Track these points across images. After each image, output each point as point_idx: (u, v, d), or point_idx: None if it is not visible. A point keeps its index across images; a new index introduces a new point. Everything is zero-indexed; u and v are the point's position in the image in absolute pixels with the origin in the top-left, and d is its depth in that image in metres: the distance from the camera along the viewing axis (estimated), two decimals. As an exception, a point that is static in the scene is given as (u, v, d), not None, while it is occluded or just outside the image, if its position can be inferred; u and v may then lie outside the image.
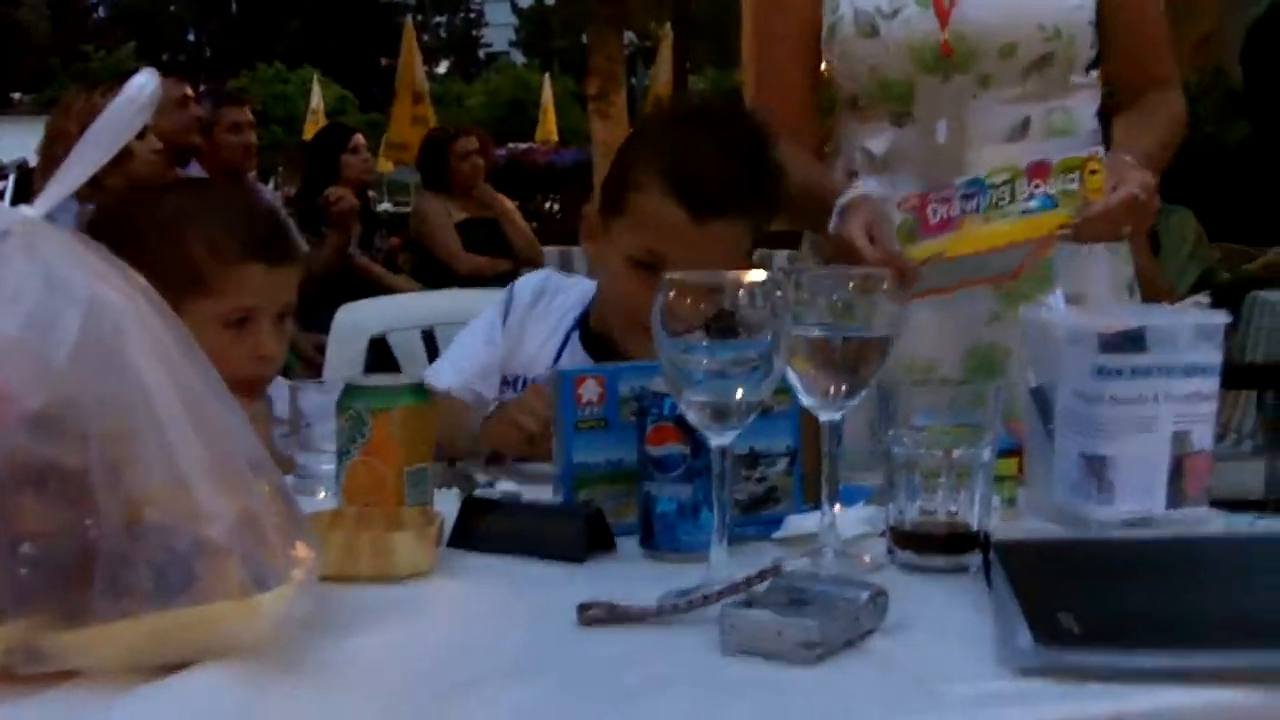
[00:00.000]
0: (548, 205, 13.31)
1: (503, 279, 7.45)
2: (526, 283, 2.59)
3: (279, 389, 2.47)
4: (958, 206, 2.21)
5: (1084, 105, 2.56)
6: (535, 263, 7.92)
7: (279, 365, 2.38)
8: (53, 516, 1.18)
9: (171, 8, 46.67)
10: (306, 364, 5.46)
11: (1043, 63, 2.47)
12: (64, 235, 1.26)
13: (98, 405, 1.19)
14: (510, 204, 8.24)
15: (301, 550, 1.29)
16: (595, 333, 2.45)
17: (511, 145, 13.18)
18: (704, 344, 1.51)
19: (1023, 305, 2.14)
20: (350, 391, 1.81)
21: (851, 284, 1.68)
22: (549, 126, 17.42)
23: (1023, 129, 2.49)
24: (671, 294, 1.51)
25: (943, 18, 2.45)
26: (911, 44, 2.47)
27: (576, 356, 2.43)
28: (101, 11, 45.28)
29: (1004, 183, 2.21)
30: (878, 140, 2.53)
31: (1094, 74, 2.58)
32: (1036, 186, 2.19)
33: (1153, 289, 5.30)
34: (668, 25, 14.36)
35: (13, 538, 1.17)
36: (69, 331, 1.19)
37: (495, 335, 2.52)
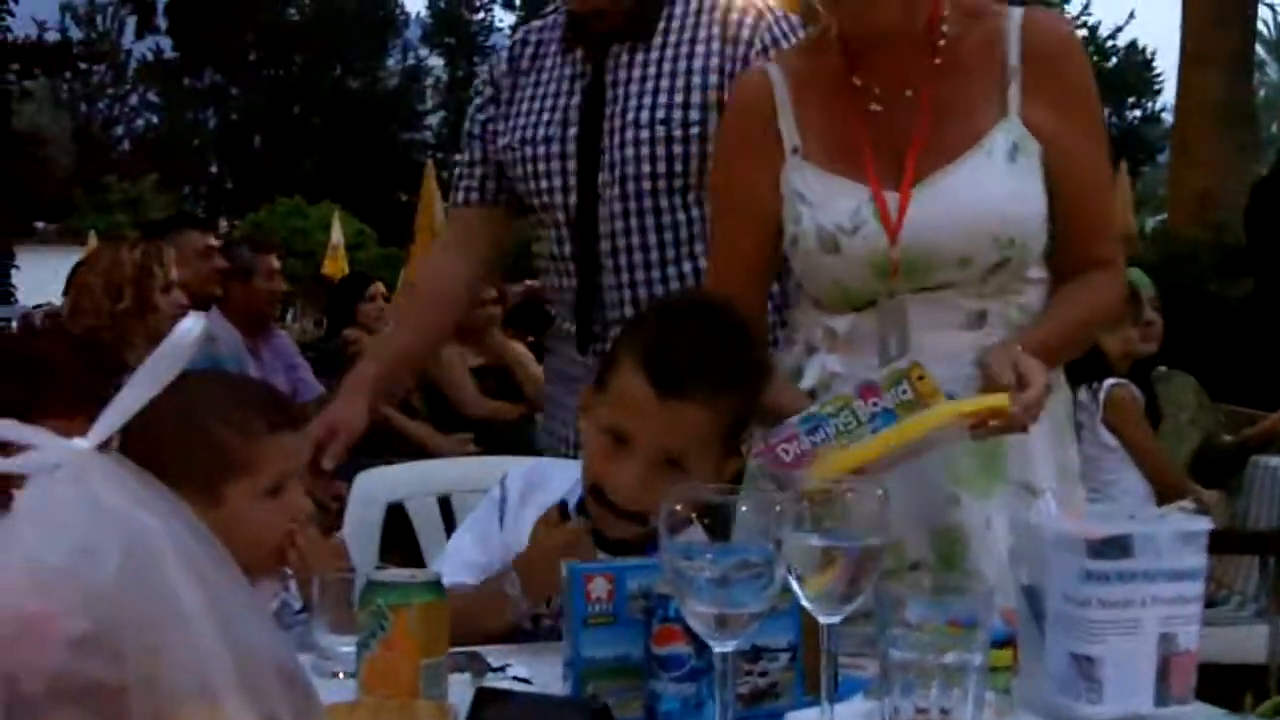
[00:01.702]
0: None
1: (515, 424, 7.58)
2: (514, 476, 2.65)
3: None
4: (806, 441, 2.25)
5: (1038, 299, 2.60)
6: (542, 408, 8.01)
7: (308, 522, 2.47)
8: None
9: (195, 141, 47.12)
10: (323, 511, 5.52)
11: (999, 267, 2.52)
12: (109, 465, 1.33)
13: (136, 627, 1.26)
14: (523, 350, 8.35)
15: None
16: (592, 518, 2.47)
17: (528, 282, 13.27)
18: (706, 552, 1.58)
19: (1010, 509, 2.23)
20: (371, 587, 1.89)
21: (849, 493, 1.76)
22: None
23: (980, 319, 2.54)
24: (676, 506, 1.59)
25: (891, 235, 2.51)
26: (871, 259, 2.52)
27: None
28: (126, 144, 45.74)
29: (841, 410, 2.25)
30: (840, 322, 2.58)
31: (1045, 266, 2.62)
32: (875, 405, 2.25)
33: (1167, 488, 5.40)
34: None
35: None
36: (112, 559, 1.27)
37: (491, 536, 2.58)
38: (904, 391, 2.25)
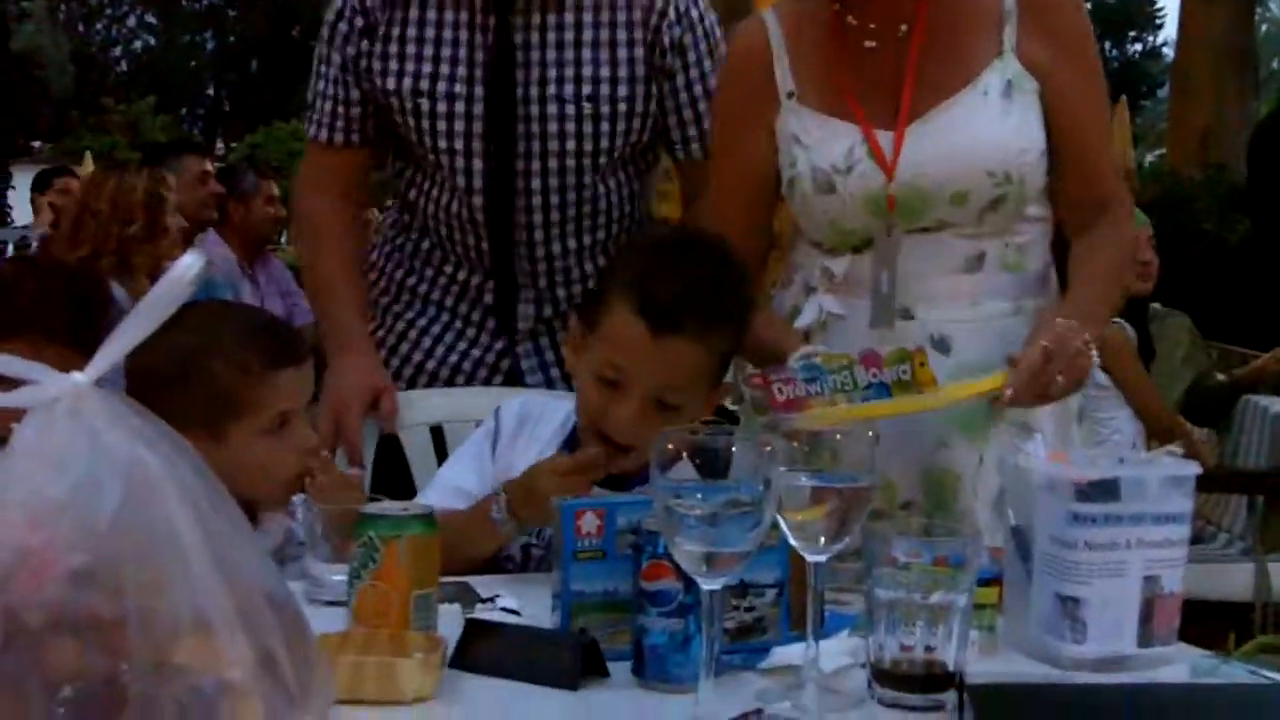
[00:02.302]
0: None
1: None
2: (509, 408, 2.67)
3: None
4: (801, 388, 2.30)
5: (1037, 242, 2.64)
6: None
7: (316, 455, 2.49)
8: (90, 661, 1.27)
9: (191, 63, 46.91)
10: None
11: (996, 203, 2.54)
12: (109, 399, 1.35)
13: (134, 560, 1.29)
14: None
15: (316, 687, 1.39)
16: None
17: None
18: (696, 490, 1.59)
19: (999, 450, 2.25)
20: (364, 519, 1.92)
21: (839, 435, 1.78)
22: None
23: (978, 261, 2.57)
24: (668, 444, 1.60)
25: (888, 172, 2.53)
26: (867, 198, 2.55)
27: None
28: (123, 65, 45.55)
29: (841, 370, 2.29)
30: (838, 263, 2.61)
31: (1047, 203, 2.65)
32: (874, 376, 2.29)
33: (1158, 426, 5.41)
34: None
35: (54, 680, 1.26)
36: (111, 494, 1.29)
37: (484, 465, 2.60)
38: (904, 371, 2.28)
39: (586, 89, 2.98)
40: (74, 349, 2.37)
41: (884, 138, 2.55)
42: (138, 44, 47.62)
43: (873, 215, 2.55)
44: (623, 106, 3.01)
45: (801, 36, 2.66)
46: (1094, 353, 2.42)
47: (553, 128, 3.00)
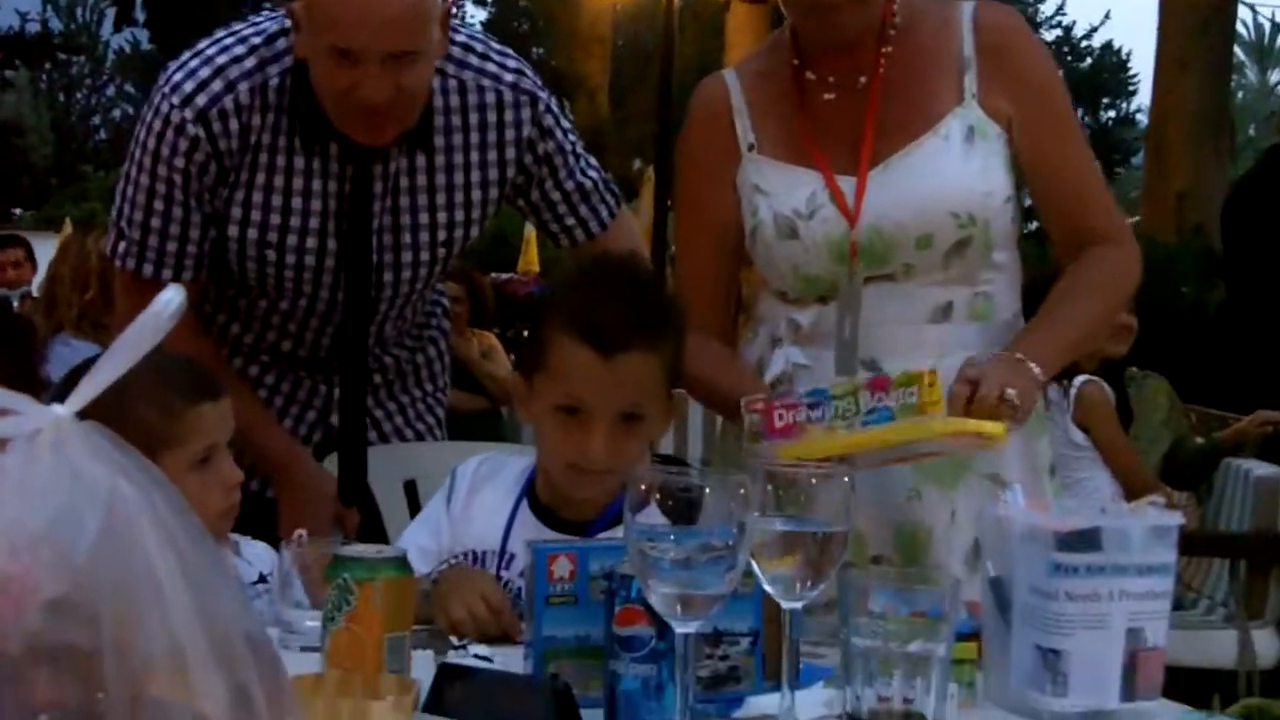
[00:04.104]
0: (526, 334, 13.43)
1: (480, 415, 7.59)
2: (466, 467, 2.65)
3: (251, 544, 2.58)
4: (803, 414, 2.28)
5: (1006, 290, 2.62)
6: (506, 400, 8.11)
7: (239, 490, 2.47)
8: (66, 691, 1.26)
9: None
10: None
11: (961, 246, 2.53)
12: (88, 431, 1.35)
13: (111, 592, 1.27)
14: (490, 341, 8.37)
15: None
16: (544, 501, 2.51)
17: (494, 275, 13.35)
18: (670, 534, 1.57)
19: (976, 502, 2.23)
20: (338, 561, 1.90)
21: (814, 480, 1.75)
22: (530, 258, 17.53)
23: (945, 312, 2.56)
24: (640, 486, 1.58)
25: (850, 218, 2.53)
26: (830, 243, 2.54)
27: (528, 524, 2.49)
28: (103, 134, 45.70)
29: (846, 395, 2.27)
30: (804, 314, 2.60)
31: (1015, 250, 2.64)
32: (879, 400, 2.25)
33: (1136, 488, 5.39)
34: (650, 170, 14.53)
35: (31, 708, 1.25)
36: (90, 526, 1.28)
37: (440, 523, 2.59)
38: (910, 394, 2.25)
39: (441, 235, 2.98)
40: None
41: (846, 183, 2.55)
42: (116, 113, 47.74)
43: (836, 261, 2.55)
44: (473, 235, 3.04)
45: (762, 92, 2.67)
46: (1037, 371, 2.39)
47: (406, 275, 3.00)
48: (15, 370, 2.81)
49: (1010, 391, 2.29)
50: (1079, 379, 5.62)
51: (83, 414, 2.02)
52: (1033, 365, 2.39)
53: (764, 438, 2.30)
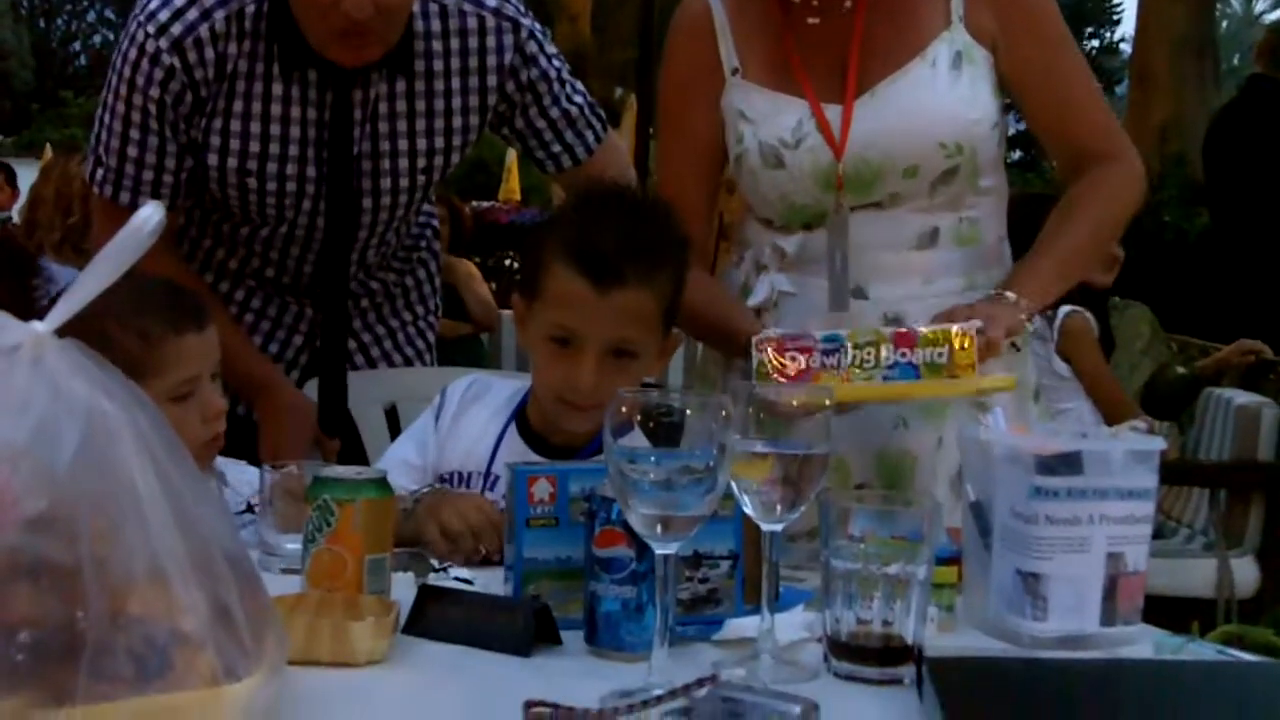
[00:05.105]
0: (508, 262, 13.38)
1: (462, 342, 7.59)
2: (456, 386, 2.66)
3: (241, 469, 2.55)
4: (818, 359, 2.26)
5: (991, 214, 2.61)
6: (491, 327, 8.11)
7: (224, 420, 2.45)
8: (46, 607, 1.26)
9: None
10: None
11: (948, 175, 2.52)
12: (69, 349, 1.36)
13: (91, 508, 1.28)
14: (471, 268, 8.37)
15: (269, 642, 1.37)
16: (535, 426, 2.51)
17: (475, 203, 13.28)
18: (650, 456, 1.56)
19: (961, 425, 2.22)
20: (318, 482, 1.90)
21: (795, 402, 1.75)
22: (511, 185, 17.43)
23: (931, 238, 2.55)
24: (621, 409, 1.57)
25: (836, 148, 2.51)
26: (816, 172, 2.53)
27: (515, 448, 2.49)
28: (83, 60, 45.41)
29: (867, 345, 2.26)
30: (789, 241, 2.59)
31: (1001, 173, 2.63)
32: (902, 356, 2.25)
33: (1117, 417, 5.38)
34: (632, 96, 14.43)
35: (10, 625, 1.25)
36: (70, 440, 1.30)
37: (427, 439, 2.59)
38: (940, 354, 2.23)
39: (421, 161, 2.97)
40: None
41: (832, 112, 2.53)
42: (97, 38, 47.47)
43: (822, 190, 2.53)
44: (454, 163, 3.02)
45: (745, 14, 2.64)
46: (1024, 319, 2.41)
47: (385, 200, 2.98)
48: (15, 300, 2.77)
49: (975, 323, 2.29)
50: (1063, 309, 5.61)
51: (61, 335, 2.04)
52: (1011, 295, 2.40)
53: (773, 380, 2.28)
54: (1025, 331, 2.48)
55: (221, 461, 2.55)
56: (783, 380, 2.26)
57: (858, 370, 2.26)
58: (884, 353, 2.25)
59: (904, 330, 2.29)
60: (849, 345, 2.27)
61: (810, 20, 2.56)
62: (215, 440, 2.42)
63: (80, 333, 2.24)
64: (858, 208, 2.53)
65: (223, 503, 2.27)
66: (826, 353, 2.27)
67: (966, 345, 2.24)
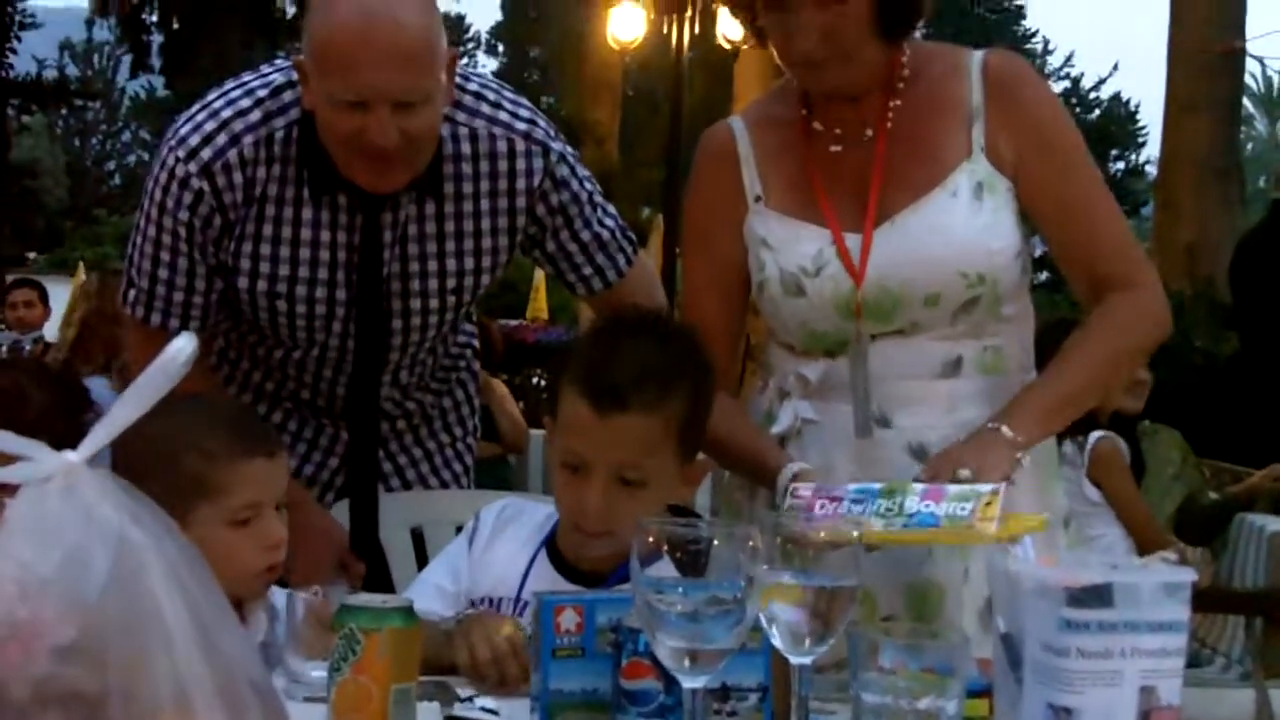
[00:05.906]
0: (535, 381, 13.44)
1: (489, 463, 7.60)
2: (490, 509, 2.65)
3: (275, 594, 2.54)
4: (845, 507, 2.24)
5: (1015, 341, 2.61)
6: (521, 449, 8.10)
7: (284, 551, 2.43)
8: None
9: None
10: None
11: (970, 305, 2.51)
12: (99, 478, 1.37)
13: (119, 637, 1.30)
14: (502, 389, 8.38)
15: None
16: (563, 552, 2.49)
17: (503, 322, 13.36)
18: (678, 587, 1.55)
19: (987, 557, 2.20)
20: (344, 610, 1.88)
21: (822, 534, 1.74)
22: (539, 304, 17.57)
23: (955, 367, 2.54)
24: (648, 538, 1.56)
25: (856, 276, 2.52)
26: (837, 300, 2.53)
27: (545, 575, 2.48)
28: (117, 179, 45.95)
29: (894, 495, 2.24)
30: (812, 368, 2.59)
31: (1025, 300, 2.63)
32: (927, 507, 2.22)
33: (1149, 544, 5.34)
34: (659, 216, 14.54)
35: None
36: (100, 571, 1.31)
37: (461, 564, 2.58)
38: (963, 508, 2.21)
39: (451, 283, 2.96)
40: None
41: (852, 240, 2.54)
42: (131, 158, 48.04)
43: (843, 318, 2.54)
44: (484, 284, 3.03)
45: (769, 140, 2.66)
46: (1019, 457, 2.40)
47: (415, 321, 2.98)
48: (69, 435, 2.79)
49: (964, 472, 2.28)
50: (1094, 435, 5.59)
51: (122, 458, 2.05)
52: (1006, 431, 2.38)
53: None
54: (1019, 468, 2.44)
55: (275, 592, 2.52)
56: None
57: (878, 519, 2.23)
58: (908, 504, 2.24)
59: (934, 488, 2.26)
60: (878, 497, 2.25)
61: (833, 149, 2.59)
62: (271, 570, 2.40)
63: (145, 451, 2.27)
64: (880, 335, 2.53)
65: (247, 632, 2.25)
66: (855, 501, 2.25)
67: (991, 502, 2.21)
